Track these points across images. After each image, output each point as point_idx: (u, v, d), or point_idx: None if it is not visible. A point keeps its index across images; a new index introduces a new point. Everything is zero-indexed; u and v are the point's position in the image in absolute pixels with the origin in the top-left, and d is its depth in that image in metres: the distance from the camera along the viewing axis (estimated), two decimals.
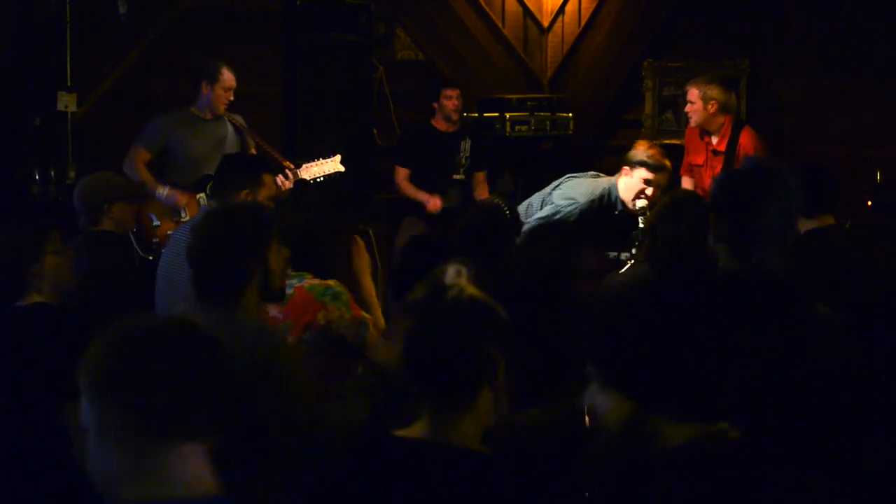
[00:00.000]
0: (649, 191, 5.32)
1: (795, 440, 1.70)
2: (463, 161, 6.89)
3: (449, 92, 6.84)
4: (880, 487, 2.39)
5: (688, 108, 6.29)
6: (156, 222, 5.43)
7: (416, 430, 2.17)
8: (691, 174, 6.45)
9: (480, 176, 6.97)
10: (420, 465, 2.09)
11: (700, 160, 6.36)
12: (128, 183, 5.20)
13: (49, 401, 3.13)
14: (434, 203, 6.63)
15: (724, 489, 1.59)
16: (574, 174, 5.61)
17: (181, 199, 5.61)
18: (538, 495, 2.19)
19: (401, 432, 2.18)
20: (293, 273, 3.58)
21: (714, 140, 6.27)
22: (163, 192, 5.65)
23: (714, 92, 6.21)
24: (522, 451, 2.46)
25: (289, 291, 3.44)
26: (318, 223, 3.94)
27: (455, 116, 6.85)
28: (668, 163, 5.46)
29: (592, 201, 5.38)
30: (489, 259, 3.95)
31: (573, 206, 5.36)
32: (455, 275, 2.18)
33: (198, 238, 3.12)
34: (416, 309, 2.20)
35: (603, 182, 5.49)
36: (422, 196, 6.70)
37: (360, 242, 4.17)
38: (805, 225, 3.84)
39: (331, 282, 3.68)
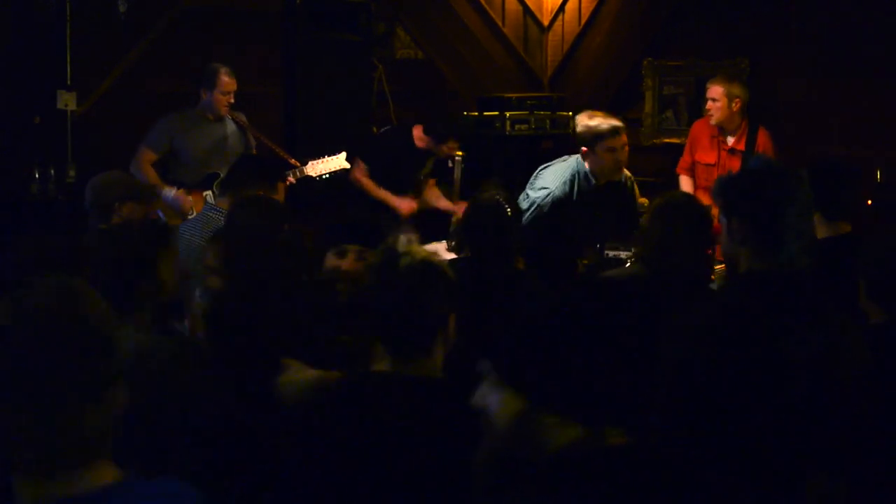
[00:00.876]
0: (621, 155, 5.25)
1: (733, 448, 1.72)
2: (421, 178, 6.39)
3: (451, 146, 6.17)
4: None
5: (709, 105, 6.20)
6: (163, 220, 5.43)
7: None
8: (691, 172, 6.41)
9: (431, 181, 6.44)
10: (391, 392, 2.37)
11: (711, 159, 6.29)
12: (140, 183, 5.23)
13: None
14: (408, 205, 6.10)
15: (596, 494, 1.60)
16: (546, 164, 5.54)
17: (186, 203, 5.64)
18: None
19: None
20: None
21: (730, 140, 6.21)
22: (169, 194, 5.68)
23: (738, 90, 6.16)
24: None
25: None
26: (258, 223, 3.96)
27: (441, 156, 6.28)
28: (617, 121, 5.29)
29: (565, 183, 5.33)
30: (492, 258, 3.96)
31: (547, 195, 5.32)
32: (406, 242, 2.45)
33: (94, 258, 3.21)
34: (375, 274, 2.47)
35: (570, 162, 5.40)
36: (392, 200, 6.09)
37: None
38: (820, 231, 3.65)
39: None
